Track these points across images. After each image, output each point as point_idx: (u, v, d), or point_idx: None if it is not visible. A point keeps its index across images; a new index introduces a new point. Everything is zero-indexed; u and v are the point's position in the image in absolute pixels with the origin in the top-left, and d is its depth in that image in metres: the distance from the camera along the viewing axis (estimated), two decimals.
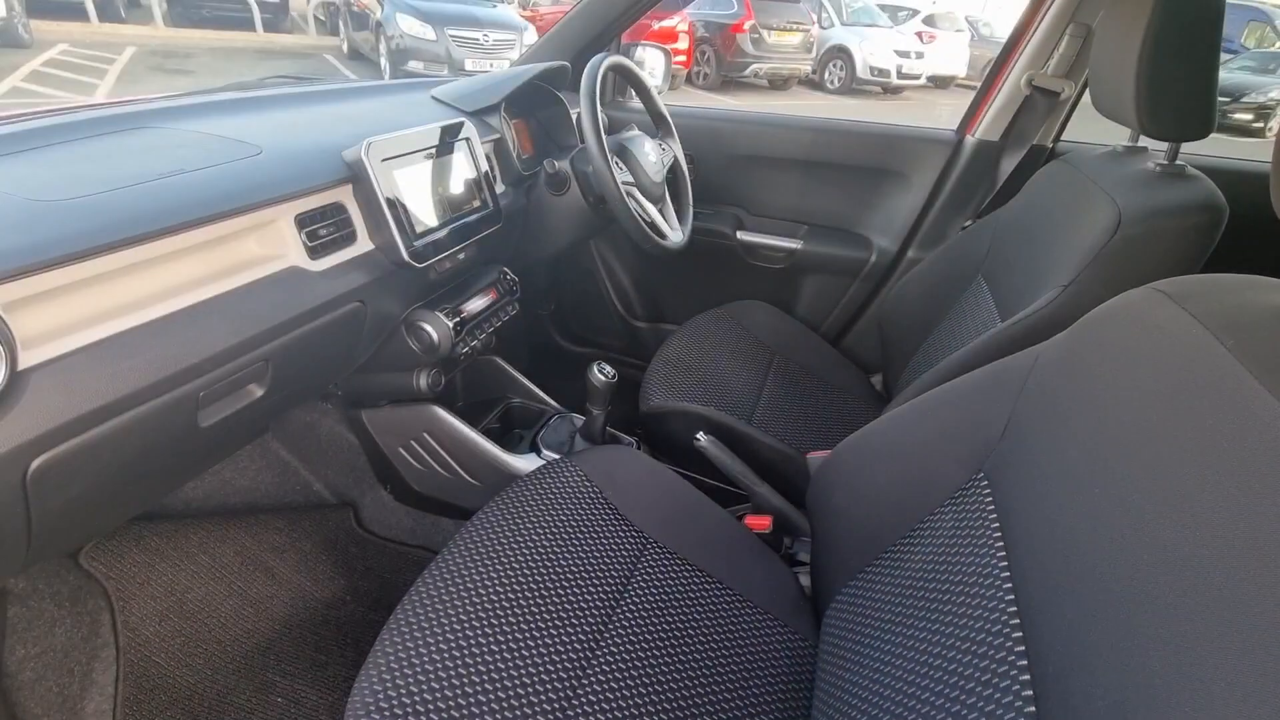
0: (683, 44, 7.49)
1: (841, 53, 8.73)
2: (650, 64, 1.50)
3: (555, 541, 0.78)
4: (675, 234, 1.23)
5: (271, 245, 0.76)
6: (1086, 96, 1.08)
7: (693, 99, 7.61)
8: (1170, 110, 0.79)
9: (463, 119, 1.01)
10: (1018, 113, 1.26)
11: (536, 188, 1.19)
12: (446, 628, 0.66)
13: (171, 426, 0.66)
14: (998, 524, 0.60)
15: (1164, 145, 0.86)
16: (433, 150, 0.94)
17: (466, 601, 0.69)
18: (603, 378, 1.04)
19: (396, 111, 1.06)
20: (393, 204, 0.85)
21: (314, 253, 0.79)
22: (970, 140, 1.32)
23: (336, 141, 0.86)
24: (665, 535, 0.85)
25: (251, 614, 1.03)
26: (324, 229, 0.80)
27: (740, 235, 1.54)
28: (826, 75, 8.88)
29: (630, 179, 1.14)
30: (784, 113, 1.66)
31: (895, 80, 8.68)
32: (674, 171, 1.32)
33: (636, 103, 1.58)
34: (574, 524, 0.81)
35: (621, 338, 1.78)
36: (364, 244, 0.86)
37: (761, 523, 0.98)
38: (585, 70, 1.06)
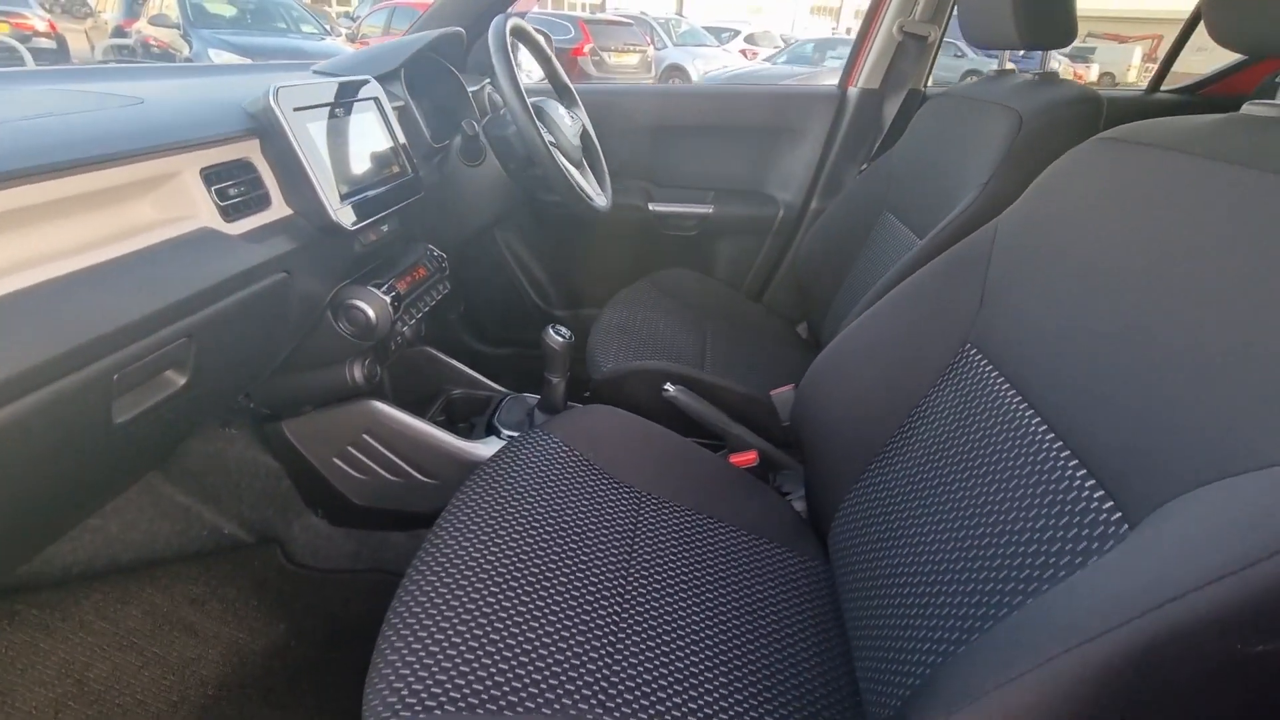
0: None
1: (678, 71, 9.23)
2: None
3: (550, 509, 0.72)
4: (600, 198, 1.20)
5: (179, 204, 0.64)
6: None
7: None
8: (1044, 20, 0.90)
9: (365, 76, 0.92)
10: (893, 59, 1.38)
11: (448, 161, 1.11)
12: (459, 608, 0.58)
13: (83, 417, 0.52)
14: (1001, 376, 0.63)
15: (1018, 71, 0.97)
16: (343, 107, 0.85)
17: (474, 578, 0.61)
18: (560, 338, 0.98)
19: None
20: (311, 158, 0.75)
21: (228, 214, 0.67)
22: (853, 90, 1.43)
23: (228, 97, 0.75)
24: (658, 486, 0.81)
25: (176, 681, 0.85)
26: (234, 188, 0.69)
27: (652, 206, 1.55)
28: None
29: (552, 140, 1.10)
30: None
31: None
32: (584, 140, 1.29)
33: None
34: (564, 490, 0.75)
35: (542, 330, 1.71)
36: (279, 209, 0.75)
37: (748, 458, 0.97)
38: (492, 28, 1.01)
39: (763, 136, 1.52)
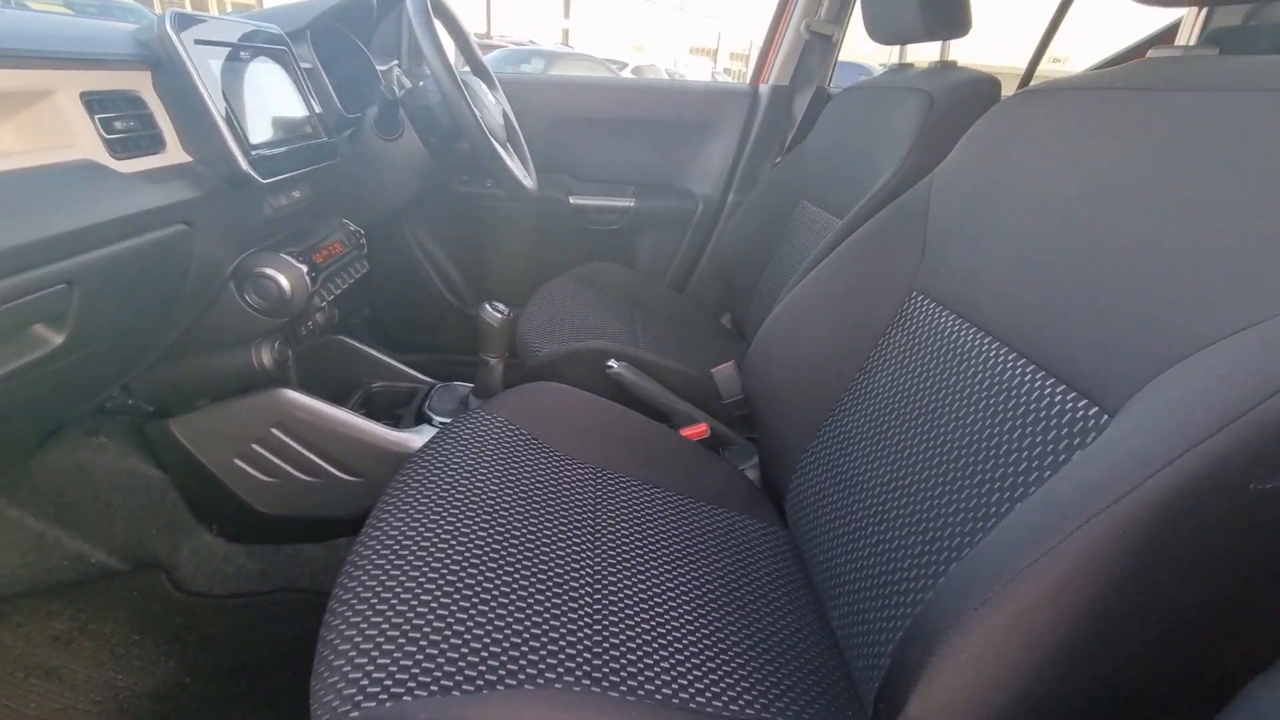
0: None
1: None
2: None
3: (503, 487, 0.66)
4: (528, 179, 1.16)
5: (54, 130, 0.53)
6: None
7: None
8: (944, 13, 0.98)
9: (274, 26, 0.83)
10: (801, 57, 1.45)
11: (361, 135, 1.03)
12: (416, 589, 0.51)
13: None
14: (952, 315, 0.65)
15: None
16: (249, 52, 0.75)
17: (429, 558, 0.54)
18: (498, 314, 0.92)
19: None
20: (217, 100, 0.66)
21: (115, 149, 0.57)
22: (765, 88, 1.49)
23: (109, 26, 0.64)
24: (612, 461, 0.78)
25: None
26: (120, 122, 0.58)
27: (573, 199, 1.52)
28: None
29: (478, 113, 1.05)
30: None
31: None
32: (506, 122, 1.25)
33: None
34: (515, 468, 0.69)
35: (460, 333, 1.62)
36: (176, 154, 0.65)
37: (698, 430, 0.95)
38: None
39: (680, 131, 1.54)
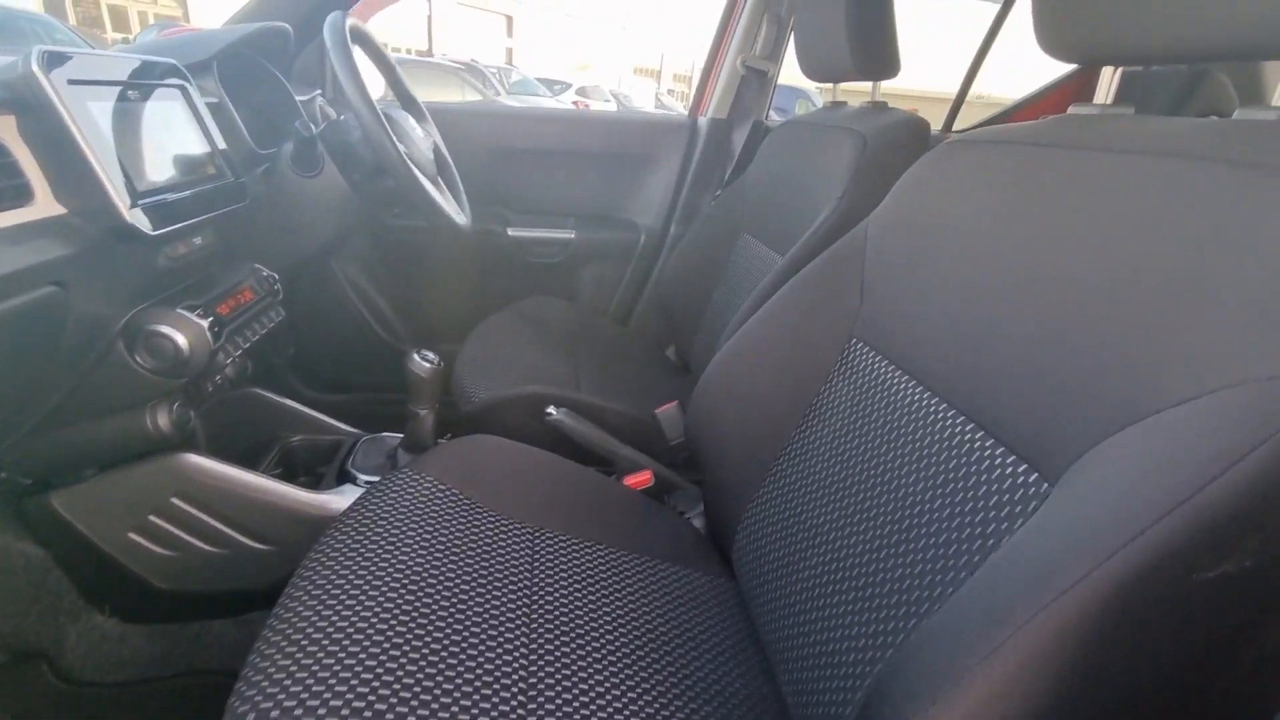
0: None
1: None
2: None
3: (431, 555, 0.61)
4: (461, 215, 1.11)
5: None
6: None
7: None
8: (873, 56, 1.00)
9: (170, 61, 0.77)
10: (739, 91, 1.46)
11: (277, 171, 0.96)
12: (328, 676, 0.46)
13: None
14: (891, 365, 0.64)
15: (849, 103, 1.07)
16: (139, 91, 0.69)
17: (345, 640, 0.49)
18: (425, 364, 0.87)
19: None
20: (95, 144, 0.59)
21: None
22: (704, 120, 1.49)
23: None
24: (550, 518, 0.74)
25: None
26: None
27: (511, 232, 1.48)
28: None
29: (404, 148, 1.00)
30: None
31: None
32: (437, 155, 1.20)
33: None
34: (445, 533, 0.65)
35: (395, 372, 1.54)
36: (47, 206, 0.58)
37: (642, 479, 0.92)
38: (328, 23, 0.90)
39: (619, 163, 1.52)
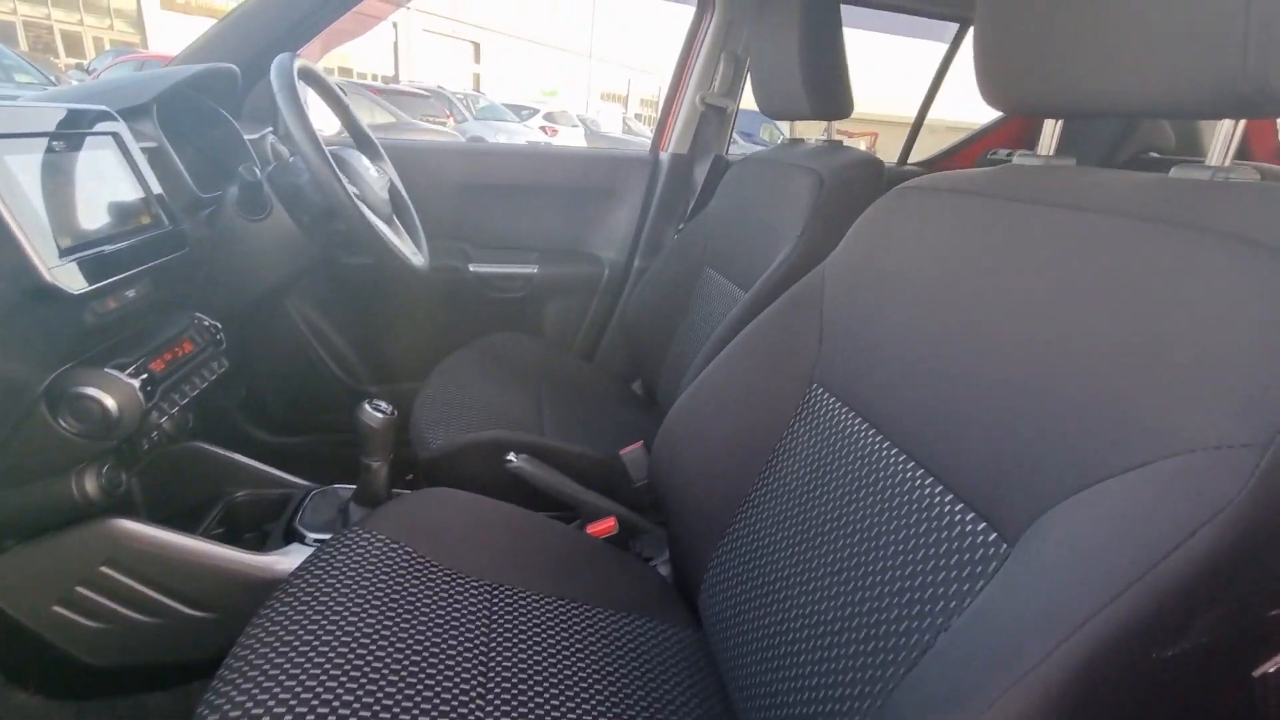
0: None
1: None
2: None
3: (383, 619, 0.58)
4: (417, 256, 1.09)
5: None
6: None
7: None
8: (827, 96, 1.01)
9: (102, 108, 0.74)
10: (698, 127, 1.47)
11: (222, 215, 0.93)
12: None
13: None
14: (851, 412, 0.64)
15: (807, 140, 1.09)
16: (66, 141, 0.66)
17: (289, 713, 0.46)
18: (377, 414, 0.84)
19: None
20: (13, 201, 0.56)
21: None
22: (665, 155, 1.50)
23: None
24: (510, 574, 0.71)
25: None
26: None
27: (473, 268, 1.45)
28: None
29: (356, 191, 0.98)
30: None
31: None
32: (392, 195, 1.18)
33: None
34: (398, 595, 0.62)
35: (351, 412, 1.49)
36: None
37: (605, 526, 0.90)
38: (275, 64, 0.88)
39: (582, 197, 1.52)
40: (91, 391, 0.65)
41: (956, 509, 0.50)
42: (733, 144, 1.55)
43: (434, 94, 9.01)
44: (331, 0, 1.10)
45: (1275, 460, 0.32)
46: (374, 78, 14.75)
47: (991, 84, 0.58)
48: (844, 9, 1.39)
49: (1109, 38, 0.46)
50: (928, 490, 0.53)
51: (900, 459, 0.56)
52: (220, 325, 0.88)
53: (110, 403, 0.65)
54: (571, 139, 10.66)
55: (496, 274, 1.48)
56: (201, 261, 0.89)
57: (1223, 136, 0.44)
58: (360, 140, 1.17)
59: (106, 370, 0.66)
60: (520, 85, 18.41)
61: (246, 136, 1.09)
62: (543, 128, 10.30)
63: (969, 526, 0.48)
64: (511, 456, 0.91)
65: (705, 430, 0.78)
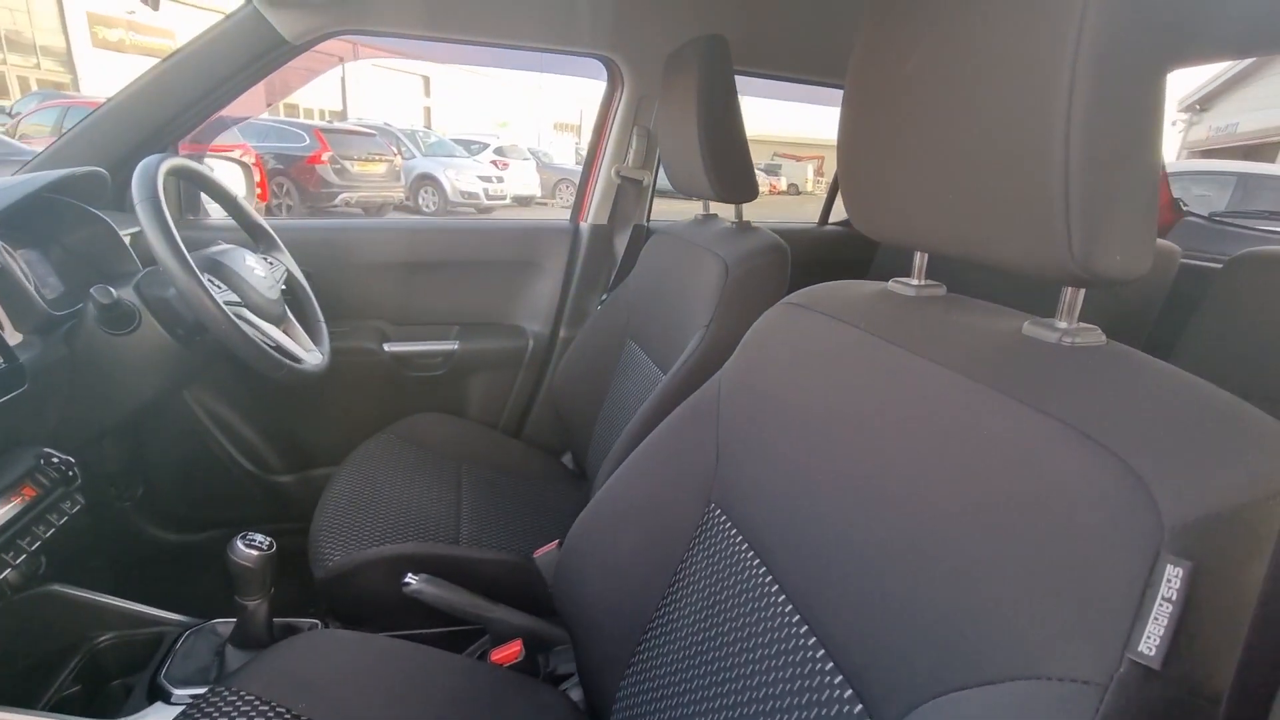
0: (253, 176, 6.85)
1: (429, 180, 9.21)
2: (224, 179, 1.28)
3: None
4: (312, 355, 1.03)
5: None
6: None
7: None
8: (730, 181, 1.00)
9: None
10: (616, 199, 1.45)
11: (83, 331, 0.86)
12: None
13: None
14: (744, 541, 0.61)
15: (727, 212, 1.09)
16: None
17: None
18: (252, 552, 0.77)
19: None
20: None
21: None
22: (585, 226, 1.48)
23: None
24: None
25: None
26: None
27: (388, 348, 1.39)
28: (420, 200, 9.23)
29: (236, 298, 0.91)
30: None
31: (485, 201, 9.53)
32: (291, 288, 1.12)
33: (216, 219, 1.32)
34: None
35: (262, 503, 1.40)
36: None
37: (509, 653, 0.84)
38: (137, 171, 0.82)
39: (503, 269, 1.48)
40: None
41: (836, 681, 0.47)
42: None
43: (380, 131, 8.91)
44: (214, 92, 1.05)
45: (1113, 706, 0.30)
46: (321, 114, 14.55)
47: (858, 214, 0.57)
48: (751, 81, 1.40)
49: (956, 189, 0.45)
50: (809, 652, 0.50)
51: (786, 609, 0.53)
52: (73, 460, 0.80)
53: None
54: (523, 171, 10.66)
55: (414, 351, 1.42)
56: (54, 388, 0.81)
57: (1067, 299, 0.43)
58: (253, 231, 1.12)
59: None
60: (472, 118, 18.40)
61: (127, 230, 1.02)
62: (494, 161, 10.28)
63: (845, 703, 0.46)
64: (410, 579, 0.85)
65: (607, 550, 0.75)
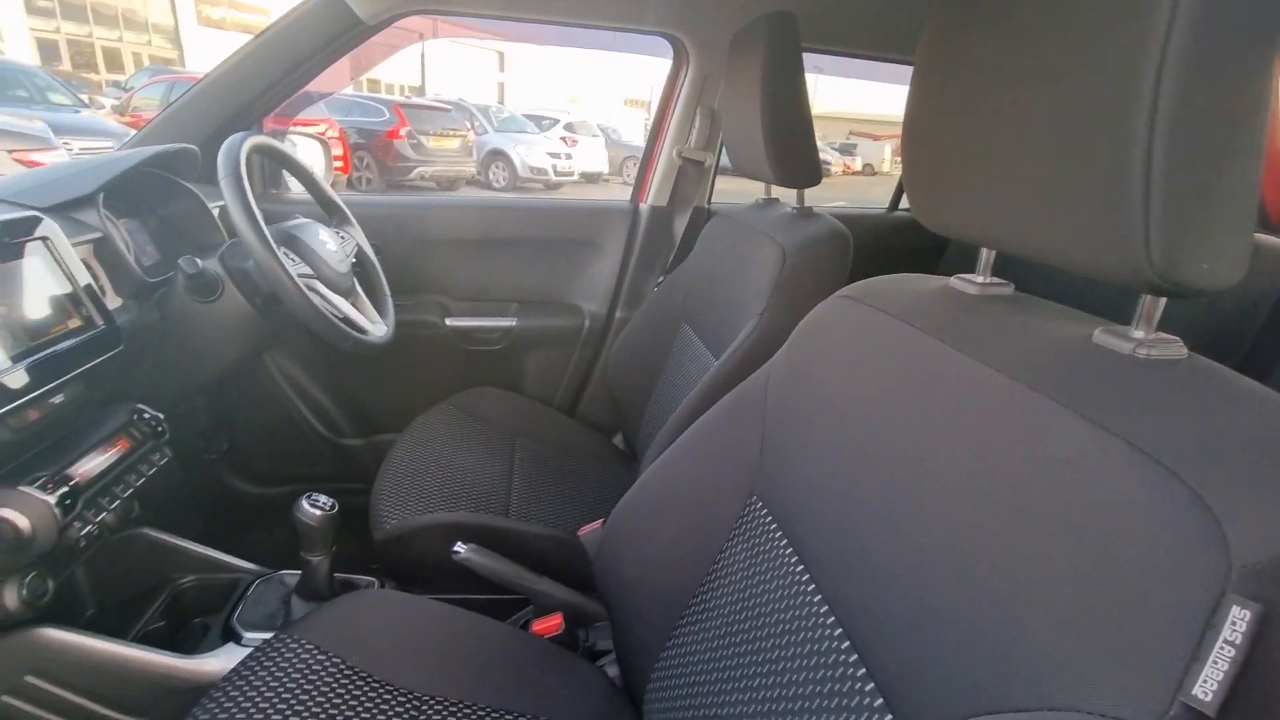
0: (336, 149, 7.15)
1: (500, 155, 9.36)
2: (305, 155, 1.34)
3: None
4: (377, 326, 1.08)
5: None
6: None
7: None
8: (792, 165, 0.97)
9: (32, 213, 0.73)
10: (677, 180, 1.44)
11: (173, 297, 0.93)
12: None
13: None
14: (784, 537, 0.60)
15: (789, 197, 1.05)
16: None
17: None
18: (316, 512, 0.82)
19: None
20: None
21: None
22: (644, 207, 1.47)
23: None
24: (444, 685, 0.69)
25: None
26: None
27: (449, 322, 1.44)
28: (491, 176, 9.41)
29: (309, 271, 0.96)
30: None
31: (554, 178, 9.62)
32: (361, 261, 1.17)
33: (296, 194, 1.39)
34: (319, 713, 0.60)
35: (331, 463, 1.49)
36: None
37: (551, 624, 0.86)
38: (222, 149, 0.87)
39: (562, 248, 1.50)
40: (4, 513, 0.64)
41: (868, 688, 0.46)
42: None
43: (455, 106, 9.11)
44: (294, 72, 1.10)
45: None
46: (401, 90, 15.00)
47: (921, 206, 0.54)
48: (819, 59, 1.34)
49: (1025, 181, 0.42)
50: (842, 656, 0.49)
51: (823, 611, 0.52)
52: (163, 416, 0.87)
53: (23, 522, 0.64)
54: (591, 148, 10.68)
55: (475, 327, 1.46)
56: (147, 350, 0.88)
57: (1145, 307, 0.39)
58: (328, 206, 1.17)
59: (20, 488, 0.66)
60: (545, 93, 18.54)
61: (213, 205, 1.09)
62: (563, 138, 10.34)
63: (876, 716, 0.44)
64: (459, 547, 0.89)
65: (650, 529, 0.75)
